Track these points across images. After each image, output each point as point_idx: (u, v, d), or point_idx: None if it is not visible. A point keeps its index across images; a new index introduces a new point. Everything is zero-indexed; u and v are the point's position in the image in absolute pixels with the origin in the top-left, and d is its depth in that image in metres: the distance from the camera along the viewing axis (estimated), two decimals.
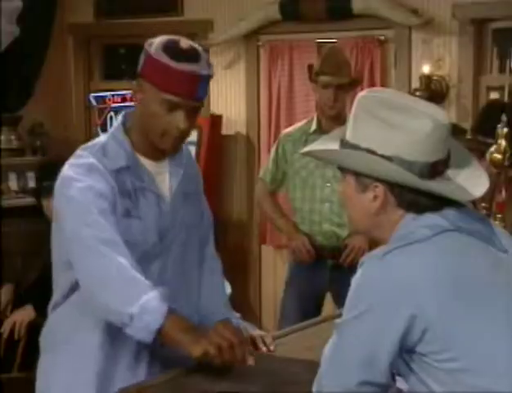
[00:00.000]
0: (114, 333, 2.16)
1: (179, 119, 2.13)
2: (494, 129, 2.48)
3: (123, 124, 2.26)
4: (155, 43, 2.13)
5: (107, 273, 2.06)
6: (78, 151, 2.22)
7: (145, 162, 2.24)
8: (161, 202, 2.24)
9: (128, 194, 2.19)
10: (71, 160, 2.21)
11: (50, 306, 2.34)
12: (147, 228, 2.20)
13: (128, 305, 2.01)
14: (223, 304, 2.45)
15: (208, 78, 2.15)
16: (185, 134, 2.19)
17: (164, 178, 2.28)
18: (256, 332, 2.46)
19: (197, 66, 2.11)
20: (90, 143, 2.27)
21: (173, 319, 2.03)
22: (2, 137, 5.44)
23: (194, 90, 2.12)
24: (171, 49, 2.11)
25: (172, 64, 2.08)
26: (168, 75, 2.10)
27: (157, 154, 2.24)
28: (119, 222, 2.14)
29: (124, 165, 2.19)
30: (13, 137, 5.50)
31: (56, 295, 2.31)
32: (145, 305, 2.00)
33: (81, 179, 2.13)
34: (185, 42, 2.14)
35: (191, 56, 2.12)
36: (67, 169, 2.18)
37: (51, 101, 5.84)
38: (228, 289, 2.59)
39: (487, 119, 2.92)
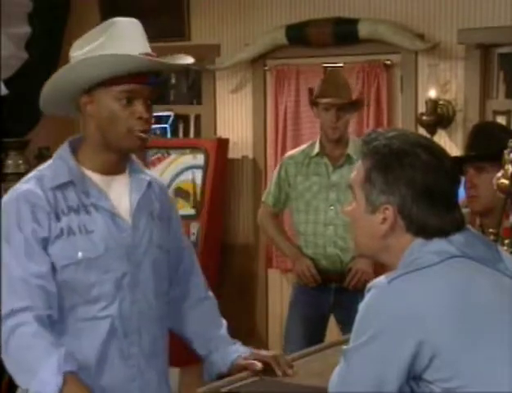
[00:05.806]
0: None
1: (140, 109, 2.12)
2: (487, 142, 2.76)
3: (70, 146, 2.26)
4: None
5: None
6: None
7: (97, 178, 2.21)
8: (115, 217, 2.20)
9: (75, 210, 2.16)
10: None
11: None
12: (95, 241, 2.16)
13: (26, 383, 2.05)
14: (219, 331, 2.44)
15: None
16: (149, 125, 2.17)
17: (123, 193, 2.25)
18: (270, 353, 2.38)
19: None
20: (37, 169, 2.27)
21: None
22: (10, 162, 5.45)
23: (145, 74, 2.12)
24: None
25: None
26: None
27: (111, 167, 2.23)
28: (56, 242, 2.13)
29: (67, 181, 2.17)
30: (20, 161, 5.51)
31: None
32: (41, 378, 2.01)
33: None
34: None
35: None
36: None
37: (59, 126, 5.83)
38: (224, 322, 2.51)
39: (477, 136, 3.01)
